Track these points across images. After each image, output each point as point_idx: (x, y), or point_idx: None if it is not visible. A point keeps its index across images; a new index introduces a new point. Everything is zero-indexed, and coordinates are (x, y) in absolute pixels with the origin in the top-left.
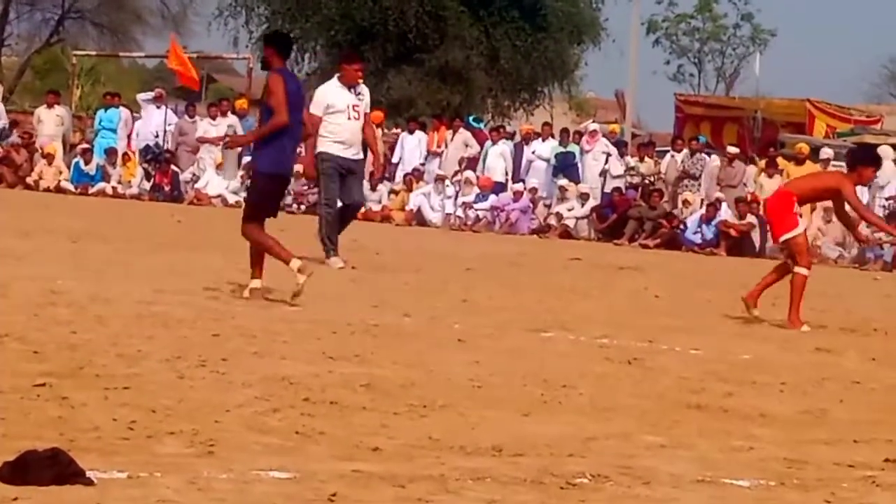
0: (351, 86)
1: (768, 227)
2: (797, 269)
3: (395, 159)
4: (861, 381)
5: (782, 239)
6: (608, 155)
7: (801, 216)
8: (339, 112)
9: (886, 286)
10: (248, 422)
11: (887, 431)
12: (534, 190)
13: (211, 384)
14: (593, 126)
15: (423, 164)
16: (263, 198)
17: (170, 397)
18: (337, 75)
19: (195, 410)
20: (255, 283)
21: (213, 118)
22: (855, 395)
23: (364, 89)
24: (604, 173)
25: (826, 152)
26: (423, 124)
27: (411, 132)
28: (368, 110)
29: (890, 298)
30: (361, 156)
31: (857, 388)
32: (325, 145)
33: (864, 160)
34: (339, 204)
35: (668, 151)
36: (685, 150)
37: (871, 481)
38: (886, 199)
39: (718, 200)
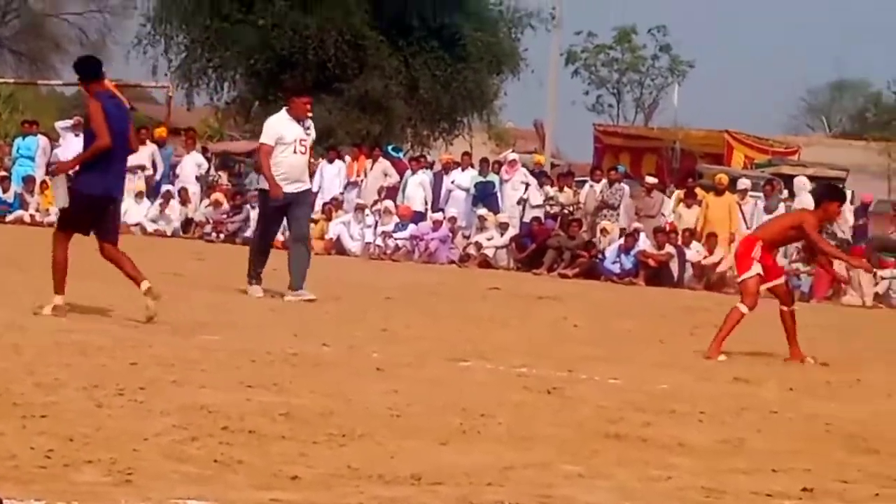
0: (299, 119)
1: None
2: (739, 304)
3: (314, 188)
4: (779, 410)
5: (738, 280)
6: (527, 185)
7: (757, 261)
8: (287, 145)
9: (804, 316)
10: (166, 450)
11: (805, 461)
12: (453, 219)
13: (129, 412)
14: (512, 156)
15: (342, 193)
16: (76, 214)
17: (87, 426)
18: (285, 108)
19: (113, 439)
20: (58, 300)
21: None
22: (773, 424)
23: (310, 123)
24: (523, 203)
25: (744, 182)
26: (341, 154)
27: (330, 161)
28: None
29: (807, 328)
30: (306, 187)
31: (775, 417)
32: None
33: (828, 195)
34: (283, 237)
35: (586, 181)
36: (604, 180)
37: None
38: None
39: (636, 231)
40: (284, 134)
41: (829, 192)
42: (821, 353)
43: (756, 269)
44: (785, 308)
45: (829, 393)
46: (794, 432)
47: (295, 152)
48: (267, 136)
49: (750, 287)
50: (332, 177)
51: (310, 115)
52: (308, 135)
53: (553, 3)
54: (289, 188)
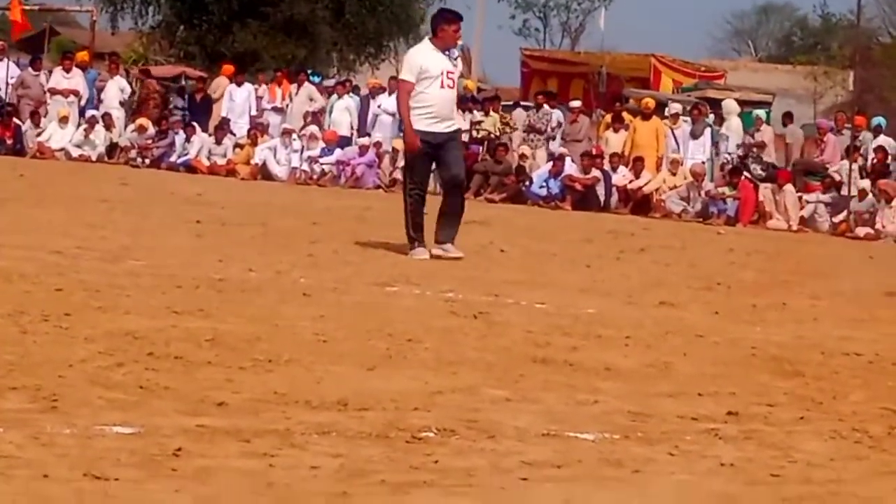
0: (446, 48)
1: None
2: None
3: (223, 112)
4: (704, 334)
5: None
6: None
7: None
8: (432, 79)
9: (729, 240)
10: (92, 377)
11: (730, 384)
12: (378, 144)
13: (54, 339)
14: None
15: (256, 117)
16: None
17: (12, 353)
18: (428, 37)
19: (38, 366)
20: None
21: (67, 70)
22: (698, 348)
23: (458, 52)
24: None
25: (675, 107)
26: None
27: (239, 84)
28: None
29: (733, 253)
30: (456, 126)
31: (701, 341)
32: (416, 121)
33: None
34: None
35: (514, 105)
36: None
37: (714, 434)
38: (730, 153)
39: (562, 156)
40: (429, 66)
41: None
42: (746, 278)
43: None
44: None
45: (754, 317)
46: (720, 356)
47: (443, 86)
48: (408, 71)
49: None
50: (242, 100)
51: (460, 42)
52: (455, 66)
53: None
54: (437, 127)
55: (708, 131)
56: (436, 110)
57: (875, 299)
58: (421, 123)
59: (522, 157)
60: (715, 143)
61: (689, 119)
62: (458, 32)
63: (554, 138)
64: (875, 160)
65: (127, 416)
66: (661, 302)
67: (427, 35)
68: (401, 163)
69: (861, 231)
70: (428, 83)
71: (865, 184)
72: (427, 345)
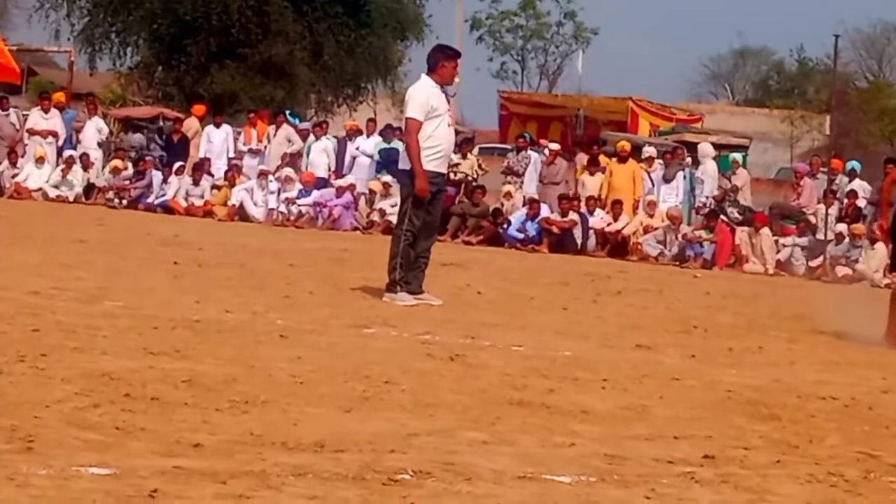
0: (445, 85)
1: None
2: None
3: (201, 153)
4: (681, 377)
5: None
6: None
7: None
8: (439, 117)
9: (706, 284)
10: (68, 417)
11: (706, 428)
12: (352, 186)
13: (30, 379)
14: None
15: (233, 159)
16: None
17: None
18: (427, 74)
19: (14, 406)
20: None
21: (46, 111)
22: (675, 391)
23: (454, 90)
24: None
25: (648, 150)
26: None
27: (217, 126)
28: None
29: (709, 296)
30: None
31: (677, 384)
32: (424, 162)
33: None
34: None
35: (491, 149)
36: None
37: (691, 477)
38: (707, 197)
39: (536, 201)
40: (436, 104)
41: None
42: (723, 321)
43: None
44: None
45: (730, 360)
46: (696, 399)
47: (449, 125)
48: (417, 109)
49: None
50: (220, 141)
51: (457, 79)
52: (450, 104)
53: None
54: (443, 167)
55: (680, 175)
56: (444, 150)
57: (850, 343)
58: (430, 164)
59: (507, 195)
60: (691, 188)
61: (662, 162)
62: (457, 69)
63: (521, 174)
64: (847, 204)
65: (103, 457)
66: (637, 345)
67: (423, 72)
68: (379, 204)
69: (840, 272)
70: (437, 122)
71: (842, 227)
72: (404, 387)
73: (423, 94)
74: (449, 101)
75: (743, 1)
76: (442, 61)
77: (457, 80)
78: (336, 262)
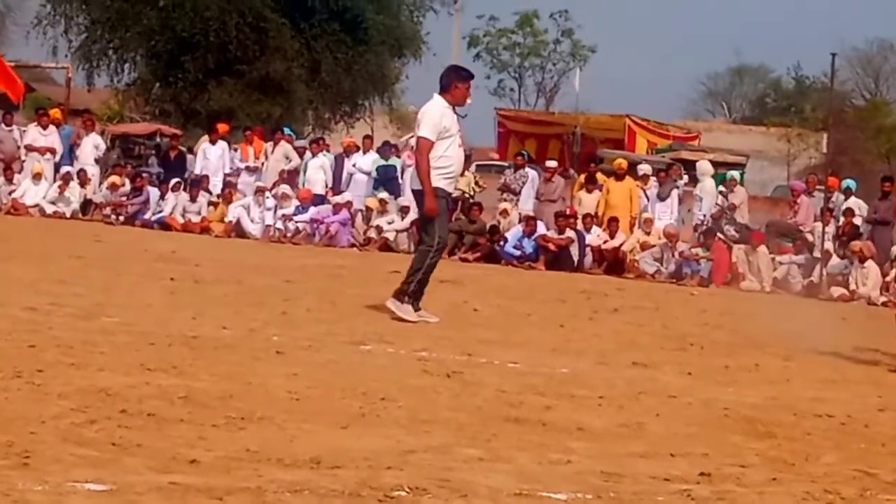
0: (457, 106)
1: None
2: None
3: (196, 170)
4: (677, 395)
5: None
6: None
7: None
8: (451, 137)
9: (703, 301)
10: (64, 433)
11: (703, 445)
12: (349, 203)
13: (26, 395)
14: (414, 139)
15: (230, 175)
16: None
17: None
18: (440, 94)
19: (10, 422)
20: None
21: (44, 127)
22: (671, 409)
23: (466, 112)
24: None
25: (644, 168)
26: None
27: (213, 143)
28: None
29: (706, 314)
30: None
31: (674, 402)
32: (436, 180)
33: None
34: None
35: (489, 165)
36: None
37: (687, 495)
38: (704, 214)
39: (533, 218)
40: (448, 125)
41: None
42: (719, 338)
43: None
44: None
45: (727, 378)
46: (693, 417)
47: (460, 146)
48: (430, 129)
49: None
50: (217, 158)
51: (469, 100)
52: (461, 124)
53: None
54: (451, 187)
55: (675, 193)
56: (454, 170)
57: (847, 360)
58: (441, 182)
59: (504, 212)
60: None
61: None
62: (469, 90)
63: (518, 192)
64: (844, 222)
65: (99, 473)
66: (634, 362)
67: (436, 91)
68: (376, 221)
69: (835, 291)
70: (448, 142)
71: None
72: (400, 403)
73: (436, 114)
74: (459, 122)
75: (740, 19)
76: (456, 82)
77: (469, 101)
78: (333, 279)
